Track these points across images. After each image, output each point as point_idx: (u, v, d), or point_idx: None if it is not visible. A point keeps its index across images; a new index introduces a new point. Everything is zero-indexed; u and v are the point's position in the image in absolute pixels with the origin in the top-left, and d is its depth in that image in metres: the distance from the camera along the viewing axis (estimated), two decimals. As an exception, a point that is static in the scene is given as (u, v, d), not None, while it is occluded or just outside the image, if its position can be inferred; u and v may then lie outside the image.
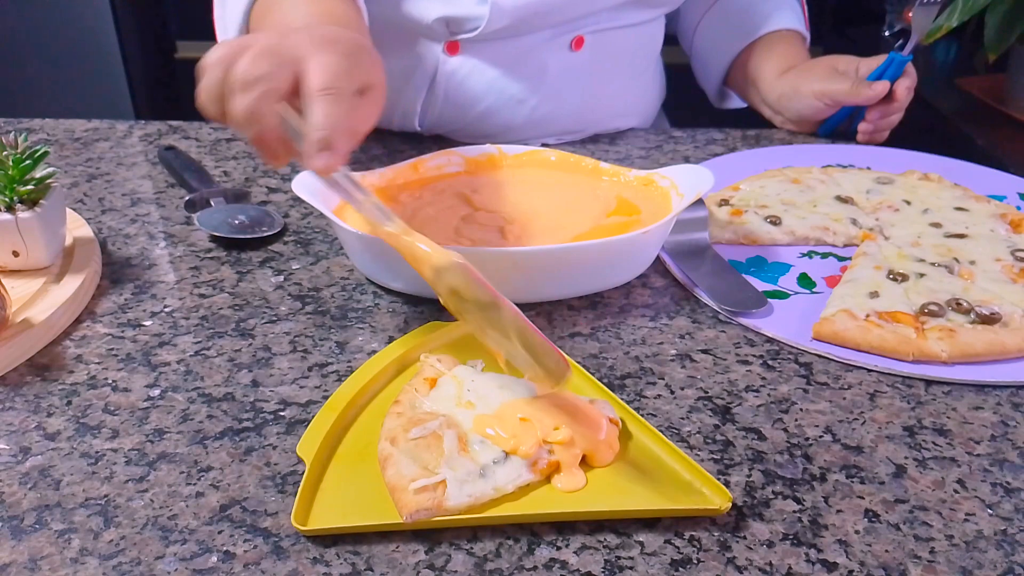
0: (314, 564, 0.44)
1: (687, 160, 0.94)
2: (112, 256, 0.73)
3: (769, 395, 0.58)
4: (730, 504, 0.46)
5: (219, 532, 0.46)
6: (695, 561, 0.45)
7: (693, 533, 0.46)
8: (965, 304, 0.64)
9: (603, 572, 0.44)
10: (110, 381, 0.58)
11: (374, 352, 0.60)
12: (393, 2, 0.90)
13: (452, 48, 0.92)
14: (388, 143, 0.98)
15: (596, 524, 0.47)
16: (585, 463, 0.50)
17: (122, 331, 0.63)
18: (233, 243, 0.75)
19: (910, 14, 1.46)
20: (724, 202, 0.81)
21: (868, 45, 2.01)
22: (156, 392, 0.57)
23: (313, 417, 0.53)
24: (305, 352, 0.61)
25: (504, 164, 0.80)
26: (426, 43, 0.93)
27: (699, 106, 1.16)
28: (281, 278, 0.70)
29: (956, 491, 0.50)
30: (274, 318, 0.65)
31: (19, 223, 0.64)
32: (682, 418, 0.55)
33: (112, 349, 0.61)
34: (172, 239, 0.76)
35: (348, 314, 0.66)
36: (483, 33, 0.89)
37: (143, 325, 0.64)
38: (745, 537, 0.46)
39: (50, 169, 0.67)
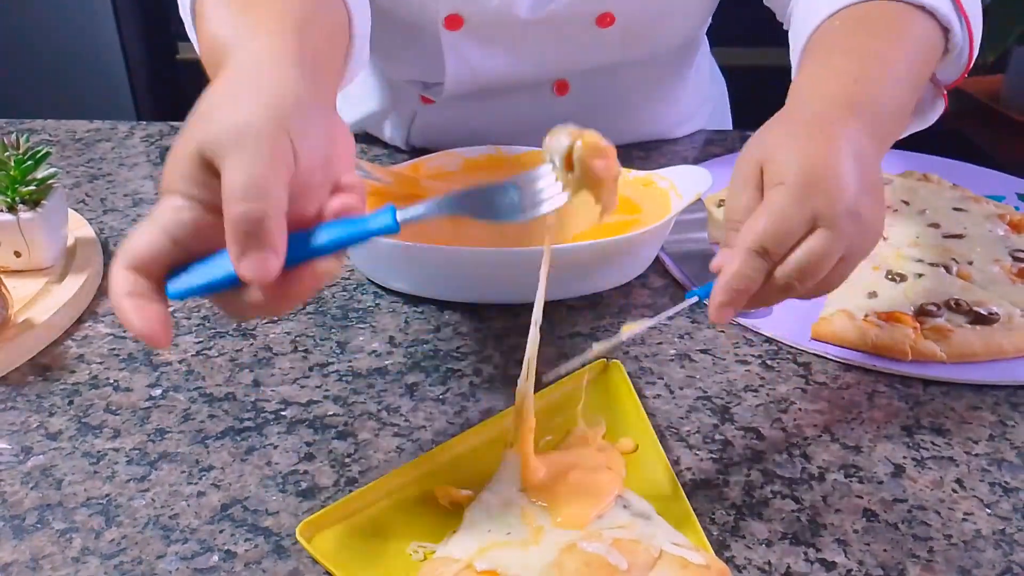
0: (315, 564, 0.45)
1: (686, 161, 0.94)
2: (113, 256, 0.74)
3: (768, 395, 0.58)
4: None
5: (220, 531, 0.47)
6: (694, 560, 0.45)
7: (692, 532, 0.47)
8: (963, 304, 0.64)
9: (602, 571, 0.44)
10: (112, 381, 0.58)
11: (375, 352, 0.60)
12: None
13: (427, 100, 0.90)
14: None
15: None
16: None
17: (123, 331, 0.63)
18: (234, 243, 0.75)
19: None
20: (723, 203, 0.81)
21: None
22: (158, 392, 0.57)
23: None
24: (306, 352, 0.61)
25: (504, 164, 0.80)
26: (403, 88, 0.92)
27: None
28: (282, 278, 0.71)
29: (954, 491, 0.50)
30: (275, 318, 0.65)
31: (21, 223, 0.64)
32: (681, 418, 0.56)
33: (114, 349, 0.61)
34: (173, 239, 0.76)
35: (349, 314, 0.66)
36: (450, 94, 0.86)
37: (144, 325, 0.64)
38: (744, 536, 0.47)
39: (52, 170, 0.67)
